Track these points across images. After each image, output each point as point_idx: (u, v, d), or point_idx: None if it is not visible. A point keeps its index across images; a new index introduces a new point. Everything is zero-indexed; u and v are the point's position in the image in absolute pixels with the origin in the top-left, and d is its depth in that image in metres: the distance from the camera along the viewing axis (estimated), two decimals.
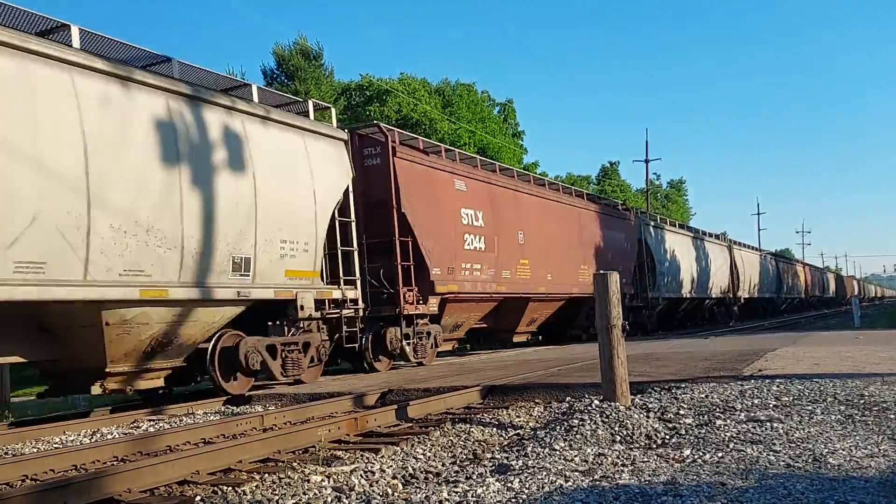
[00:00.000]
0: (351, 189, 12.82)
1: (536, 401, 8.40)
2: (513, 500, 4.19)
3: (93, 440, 7.88)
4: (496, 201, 17.37)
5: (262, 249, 10.70)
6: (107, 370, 8.96)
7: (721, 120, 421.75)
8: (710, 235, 37.30)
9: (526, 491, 4.37)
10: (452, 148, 18.26)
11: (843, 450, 4.93)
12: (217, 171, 10.04)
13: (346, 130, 13.31)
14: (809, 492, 3.92)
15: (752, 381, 7.92)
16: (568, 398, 8.11)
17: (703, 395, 7.15)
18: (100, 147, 8.57)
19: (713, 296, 35.30)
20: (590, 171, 67.22)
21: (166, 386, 10.51)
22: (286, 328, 11.38)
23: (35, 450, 7.43)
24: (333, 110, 13.74)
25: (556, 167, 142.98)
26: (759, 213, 78.98)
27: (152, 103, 9.34)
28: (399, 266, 13.75)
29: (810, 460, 4.71)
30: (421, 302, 14.24)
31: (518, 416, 7.65)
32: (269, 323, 11.26)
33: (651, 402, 6.91)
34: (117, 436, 8.10)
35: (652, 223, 29.17)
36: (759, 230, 77.86)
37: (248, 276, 10.47)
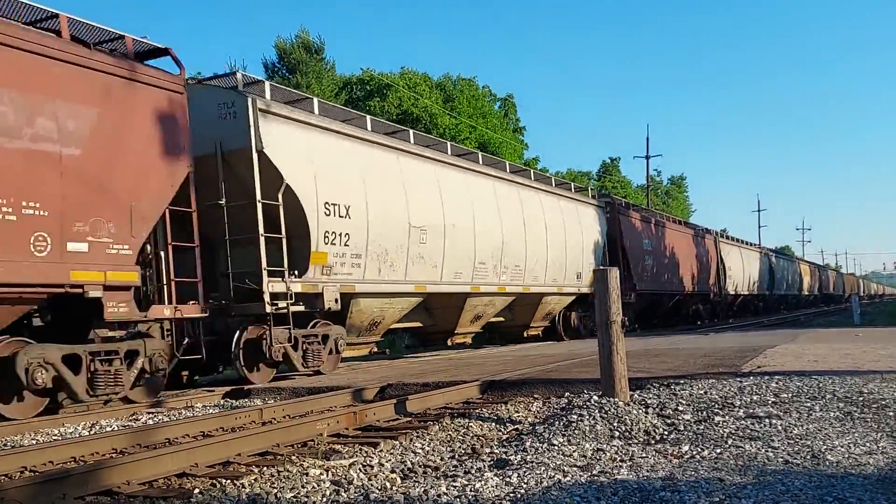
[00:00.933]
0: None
1: (535, 396, 8.40)
2: (511, 495, 4.19)
3: (92, 432, 7.88)
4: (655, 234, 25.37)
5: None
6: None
7: (723, 117, 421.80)
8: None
9: (524, 486, 4.37)
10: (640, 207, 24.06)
11: (842, 447, 4.93)
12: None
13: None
14: (808, 488, 3.92)
15: (751, 377, 7.93)
16: (567, 393, 8.12)
17: (701, 392, 7.16)
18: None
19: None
20: (590, 167, 67.19)
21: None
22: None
23: (34, 441, 7.43)
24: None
25: (557, 163, 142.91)
26: (759, 210, 79.07)
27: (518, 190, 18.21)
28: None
29: (809, 457, 4.71)
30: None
31: (517, 412, 7.65)
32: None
33: (650, 398, 6.91)
34: (116, 428, 8.10)
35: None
36: (760, 227, 77.94)
37: None
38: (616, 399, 6.77)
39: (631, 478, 4.41)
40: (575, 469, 4.74)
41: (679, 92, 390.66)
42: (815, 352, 10.94)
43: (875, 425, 5.60)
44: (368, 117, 14.23)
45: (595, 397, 6.93)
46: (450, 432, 6.70)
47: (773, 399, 6.73)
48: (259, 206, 10.90)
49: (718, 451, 5.06)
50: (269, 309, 10.82)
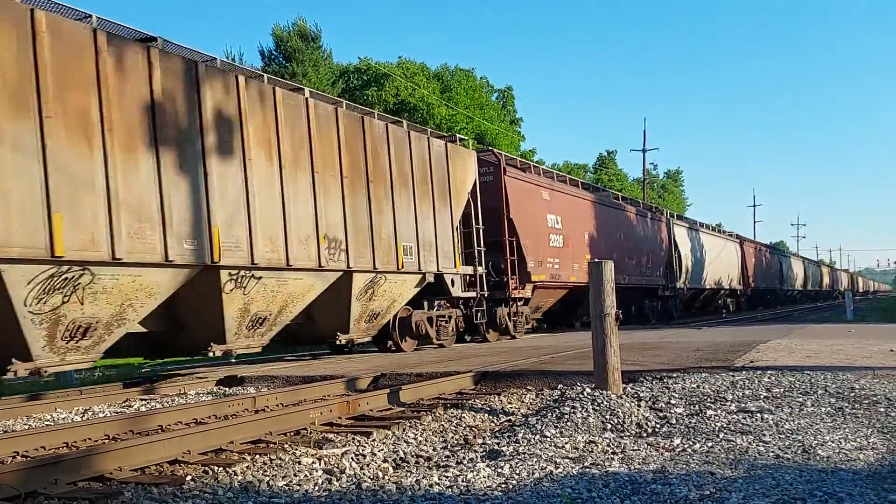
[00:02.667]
0: None
1: (528, 388, 8.41)
2: (503, 486, 4.20)
3: (84, 418, 7.88)
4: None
5: None
6: None
7: (719, 112, 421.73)
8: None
9: (516, 477, 4.38)
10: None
11: (833, 442, 4.96)
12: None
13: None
14: (798, 483, 3.94)
15: (744, 372, 7.95)
16: (560, 385, 8.13)
17: (694, 386, 7.18)
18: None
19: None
20: (587, 160, 67.19)
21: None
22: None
23: (26, 426, 7.43)
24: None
25: (554, 155, 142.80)
26: (754, 206, 79.19)
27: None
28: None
29: (799, 451, 4.73)
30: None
31: (510, 403, 7.67)
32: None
33: (642, 392, 6.93)
34: (109, 414, 8.10)
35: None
36: (755, 222, 78.05)
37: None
38: (609, 392, 6.79)
39: (622, 470, 4.43)
40: (567, 461, 4.76)
41: (677, 87, 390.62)
42: (808, 347, 10.98)
43: (866, 421, 5.63)
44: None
45: (588, 390, 6.94)
46: (443, 423, 6.71)
47: (765, 394, 6.76)
48: None
49: (710, 444, 5.07)
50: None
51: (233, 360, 13.25)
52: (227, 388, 10.02)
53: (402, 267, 13.56)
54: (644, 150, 49.36)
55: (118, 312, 8.81)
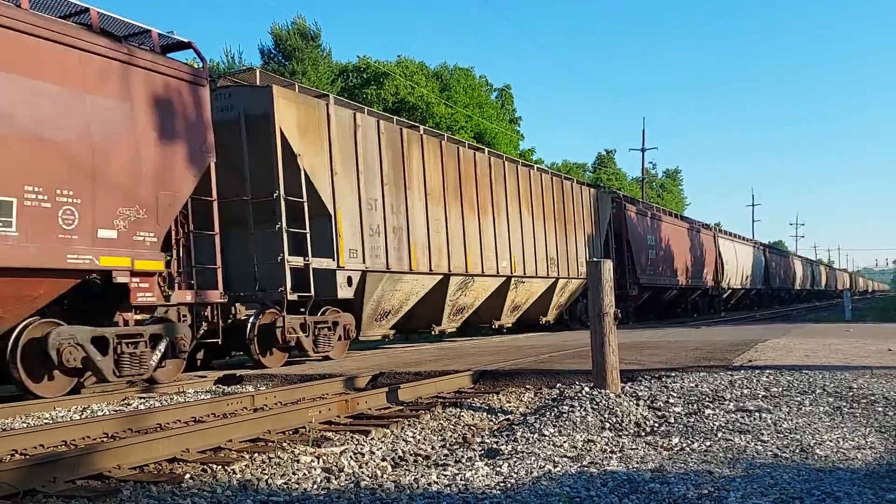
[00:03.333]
0: None
1: (527, 386, 8.42)
2: (501, 485, 4.21)
3: (83, 416, 7.88)
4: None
5: None
6: None
7: (718, 111, 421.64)
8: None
9: (514, 475, 4.39)
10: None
11: (831, 441, 4.96)
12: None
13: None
14: (796, 482, 3.94)
15: (742, 371, 7.96)
16: (558, 384, 8.13)
17: (692, 385, 7.18)
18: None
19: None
20: (586, 159, 67.20)
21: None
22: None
23: (25, 425, 7.43)
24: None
25: (553, 154, 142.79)
26: (753, 205, 79.25)
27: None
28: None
29: (798, 451, 4.74)
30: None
31: (508, 402, 7.67)
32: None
33: (641, 391, 6.94)
34: (107, 412, 8.10)
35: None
36: (753, 221, 78.11)
37: None
38: (607, 391, 6.79)
39: (621, 469, 4.43)
40: (565, 460, 4.76)
41: (675, 86, 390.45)
42: (806, 346, 10.99)
43: (864, 420, 5.64)
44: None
45: (587, 389, 6.95)
46: (441, 421, 6.71)
47: (764, 393, 6.76)
48: None
49: (708, 443, 5.08)
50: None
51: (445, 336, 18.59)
52: (225, 387, 10.01)
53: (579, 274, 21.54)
54: (643, 150, 49.46)
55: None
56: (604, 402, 6.40)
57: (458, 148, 16.75)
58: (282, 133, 11.65)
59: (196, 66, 10.42)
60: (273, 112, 11.54)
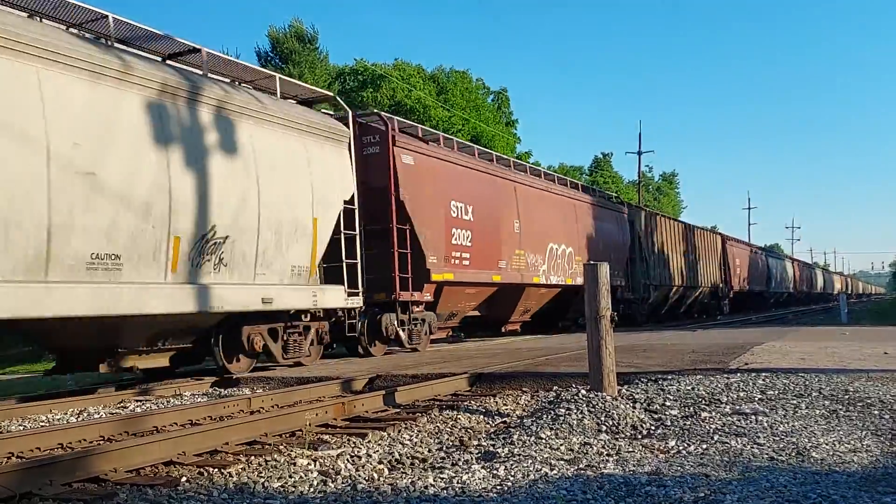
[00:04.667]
0: None
1: (524, 389, 8.42)
2: (498, 488, 4.21)
3: (79, 419, 7.87)
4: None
5: None
6: None
7: (715, 114, 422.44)
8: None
9: (511, 478, 4.39)
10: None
11: (827, 444, 4.97)
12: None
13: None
14: (792, 485, 3.95)
15: (738, 374, 7.97)
16: (555, 387, 8.14)
17: (689, 388, 7.19)
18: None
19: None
20: (583, 162, 67.21)
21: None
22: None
23: (21, 427, 7.42)
24: None
25: (550, 157, 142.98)
26: (749, 208, 79.37)
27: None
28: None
29: (794, 454, 4.75)
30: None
31: (505, 404, 7.67)
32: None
33: (637, 393, 6.94)
34: (104, 415, 8.09)
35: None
36: (750, 224, 78.30)
37: None
38: (604, 393, 6.80)
39: (617, 472, 4.44)
40: (562, 462, 4.77)
41: (672, 89, 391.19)
42: (803, 349, 11.00)
43: (860, 423, 5.65)
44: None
45: (583, 391, 6.95)
46: (438, 424, 6.71)
47: (760, 396, 6.78)
48: None
49: (704, 446, 5.09)
50: None
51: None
52: (222, 390, 10.01)
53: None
54: (640, 153, 49.59)
55: None
56: (600, 404, 6.41)
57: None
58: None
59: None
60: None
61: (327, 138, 12.29)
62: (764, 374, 7.86)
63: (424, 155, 15.21)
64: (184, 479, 4.81)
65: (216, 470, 5.02)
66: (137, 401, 9.13)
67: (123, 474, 4.98)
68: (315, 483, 4.61)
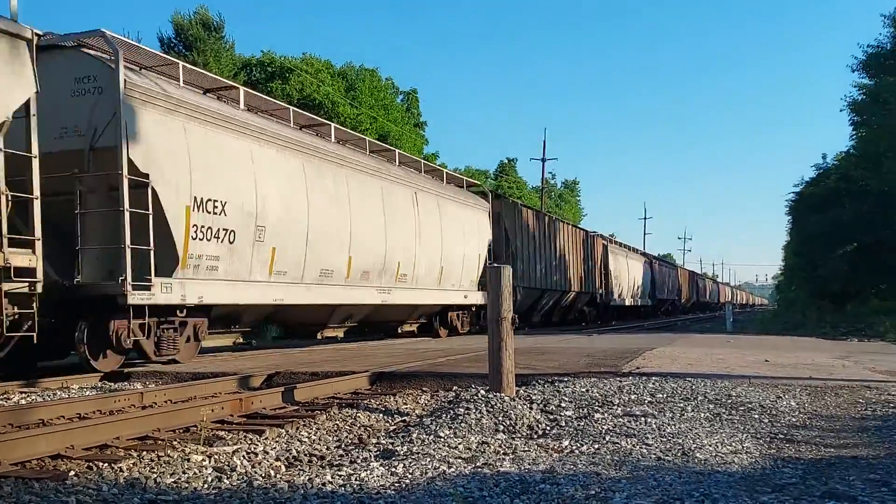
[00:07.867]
0: None
1: (424, 389, 8.48)
2: (396, 485, 4.24)
3: None
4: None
5: None
6: None
7: (617, 124, 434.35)
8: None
9: (409, 476, 4.43)
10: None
11: (710, 445, 5.22)
12: None
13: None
14: (677, 483, 4.14)
15: (630, 377, 8.25)
16: (455, 387, 8.23)
17: (584, 390, 7.41)
18: None
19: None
20: (489, 166, 67.95)
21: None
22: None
23: None
24: None
25: (457, 160, 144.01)
26: (645, 218, 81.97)
27: None
28: None
29: (679, 454, 4.96)
30: None
31: (405, 404, 7.71)
32: None
33: (535, 394, 7.10)
34: None
35: None
36: (645, 234, 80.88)
37: None
38: (502, 394, 6.92)
39: (513, 470, 4.54)
40: (460, 461, 4.84)
41: (576, 99, 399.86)
42: (690, 355, 11.47)
43: (741, 426, 5.95)
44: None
45: (482, 392, 7.06)
46: (337, 422, 6.69)
47: (650, 399, 7.04)
48: None
49: (597, 446, 5.26)
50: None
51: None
52: (112, 384, 9.68)
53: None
54: (543, 160, 50.51)
55: None
56: (499, 405, 6.52)
57: None
58: None
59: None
60: None
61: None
62: (654, 378, 8.17)
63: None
64: (72, 473, 4.66)
65: (106, 465, 4.88)
66: (22, 392, 8.74)
67: (8, 467, 4.77)
68: (210, 479, 4.53)
